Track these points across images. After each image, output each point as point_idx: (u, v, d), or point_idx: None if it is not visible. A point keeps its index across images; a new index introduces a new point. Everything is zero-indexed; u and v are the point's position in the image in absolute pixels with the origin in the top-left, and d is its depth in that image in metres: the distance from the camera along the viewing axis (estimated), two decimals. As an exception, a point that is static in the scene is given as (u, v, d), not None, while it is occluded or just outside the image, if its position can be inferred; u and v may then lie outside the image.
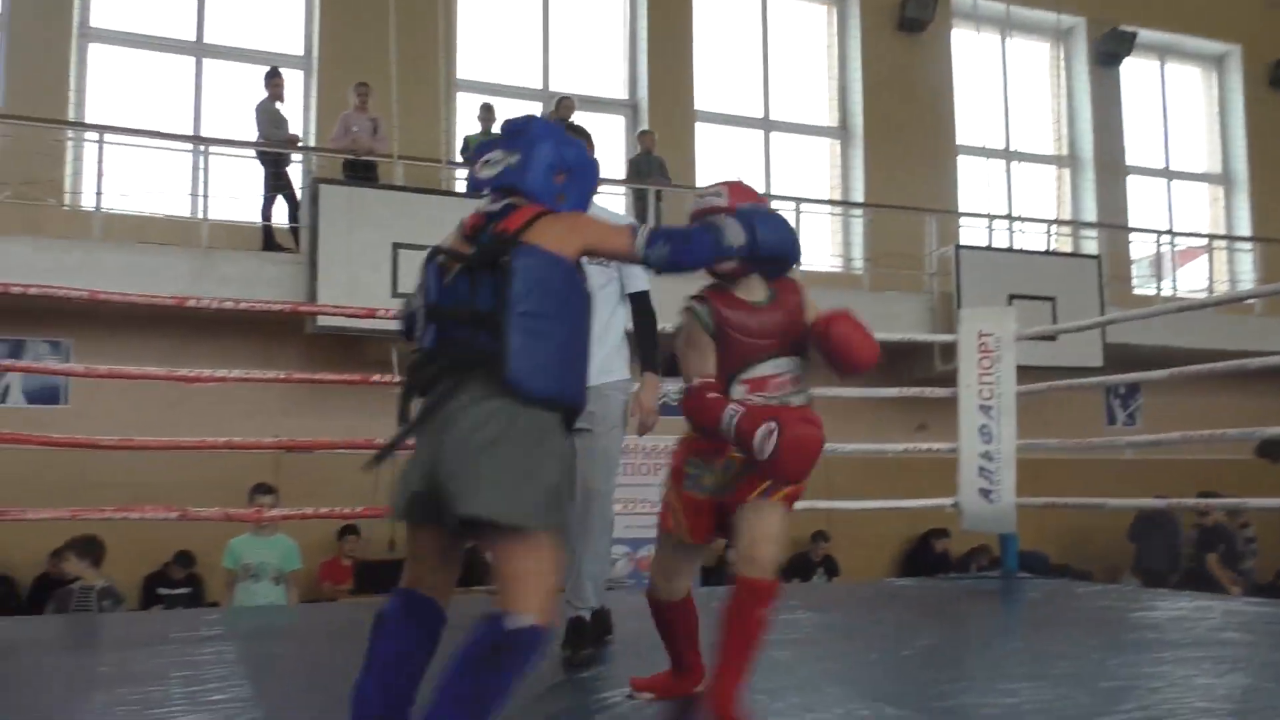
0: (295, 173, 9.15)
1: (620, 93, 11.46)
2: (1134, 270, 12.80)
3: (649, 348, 3.34)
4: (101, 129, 8.80)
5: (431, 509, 1.93)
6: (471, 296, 1.97)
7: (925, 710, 2.50)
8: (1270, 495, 5.39)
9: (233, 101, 9.71)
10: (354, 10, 9.92)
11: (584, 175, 2.19)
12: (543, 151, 2.12)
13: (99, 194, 8.39)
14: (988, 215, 11.45)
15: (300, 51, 10.29)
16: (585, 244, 2.05)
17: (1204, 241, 13.41)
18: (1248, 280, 12.83)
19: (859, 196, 11.78)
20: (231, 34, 10.14)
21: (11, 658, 3.49)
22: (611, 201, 10.72)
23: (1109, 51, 12.99)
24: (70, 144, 9.03)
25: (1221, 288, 12.78)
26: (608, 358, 3.30)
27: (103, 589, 5.66)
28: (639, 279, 3.35)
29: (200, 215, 8.69)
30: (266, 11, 10.28)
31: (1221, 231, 13.69)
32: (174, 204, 8.98)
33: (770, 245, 2.30)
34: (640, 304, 3.37)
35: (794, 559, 9.79)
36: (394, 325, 2.52)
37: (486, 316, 1.92)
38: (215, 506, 4.87)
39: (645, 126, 10.79)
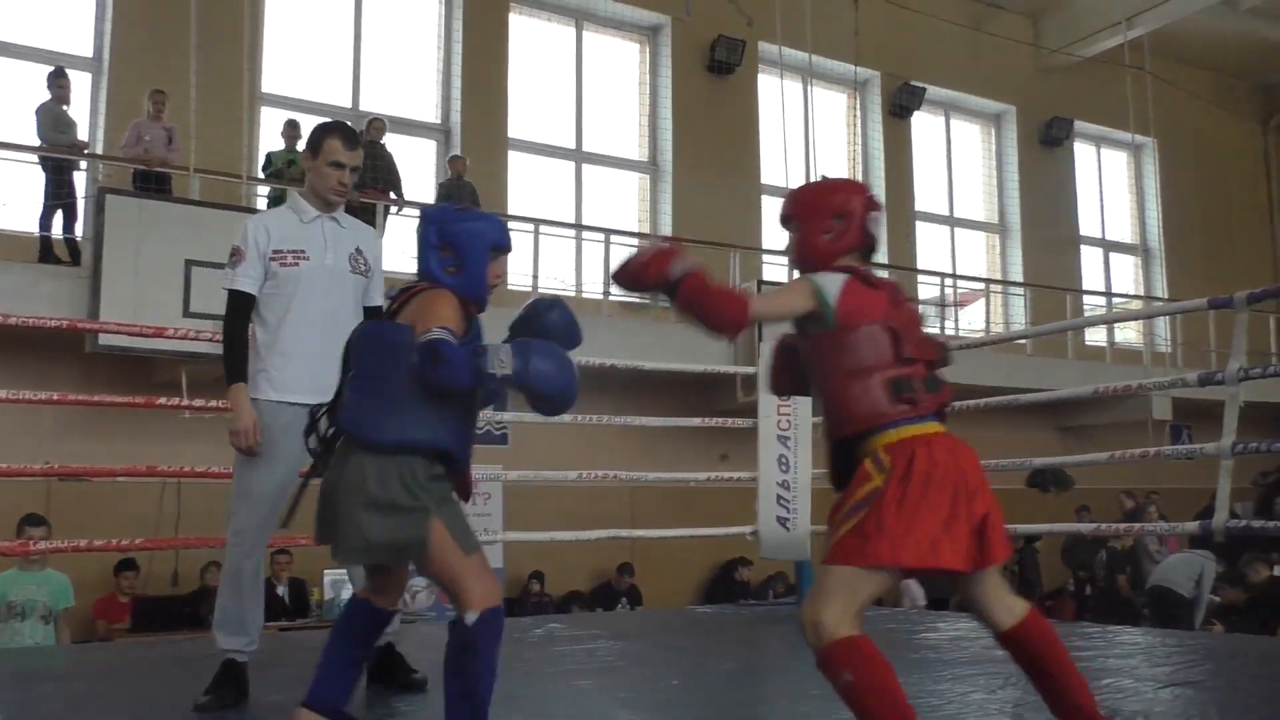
0: (79, 181, 8.58)
1: (433, 117, 11.33)
2: (920, 310, 13.55)
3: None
4: None
5: None
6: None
7: (723, 734, 2.54)
8: (1042, 522, 5.80)
9: (9, 102, 9.03)
10: (150, 12, 9.45)
11: (469, 245, 2.39)
12: (426, 235, 2.41)
13: None
14: (788, 253, 11.88)
15: (89, 53, 9.69)
16: (418, 321, 2.28)
17: (982, 286, 14.40)
18: (1020, 322, 13.84)
19: (667, 230, 12.04)
20: (12, 29, 9.44)
21: None
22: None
23: (901, 104, 13.83)
24: None
25: (997, 328, 13.73)
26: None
27: None
28: (377, 294, 3.27)
29: (-33, 222, 8.03)
30: (52, 6, 9.63)
31: (998, 276, 14.73)
32: (-63, 209, 8.27)
33: (543, 382, 2.23)
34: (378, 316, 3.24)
35: (597, 589, 9.84)
36: (184, 346, 2.47)
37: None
38: (-26, 538, 4.47)
39: (457, 152, 10.71)
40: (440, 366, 2.13)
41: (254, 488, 3.03)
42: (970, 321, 14.20)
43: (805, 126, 12.26)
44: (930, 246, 14.31)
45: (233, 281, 3.08)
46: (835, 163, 13.66)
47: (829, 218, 2.34)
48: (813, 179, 11.99)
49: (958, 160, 15.00)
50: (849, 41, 12.02)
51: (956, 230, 14.78)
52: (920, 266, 13.76)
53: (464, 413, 2.32)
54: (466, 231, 2.38)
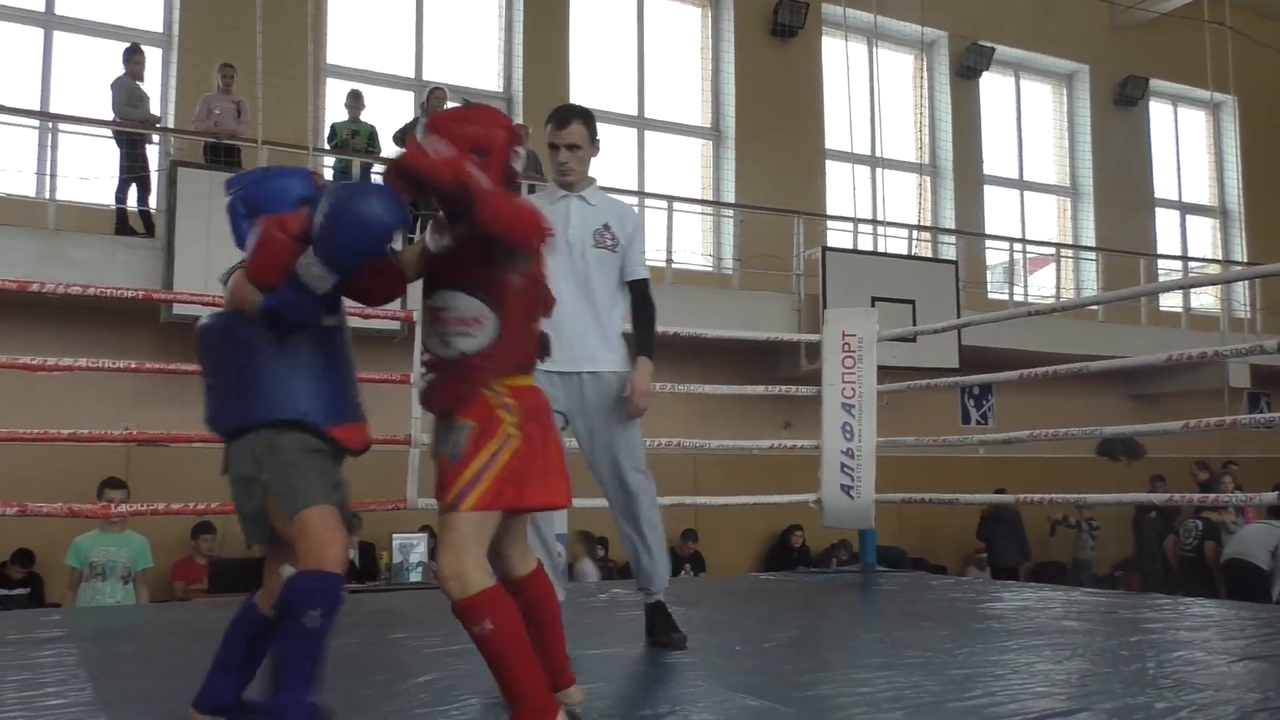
0: (152, 155, 8.77)
1: (495, 85, 11.36)
2: (989, 276, 13.36)
3: (648, 334, 3.36)
4: (-62, 101, 8.26)
5: None
6: None
7: (784, 700, 2.56)
8: (1111, 491, 5.70)
9: (85, 78, 9.24)
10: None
11: (273, 204, 2.30)
12: (233, 207, 2.41)
13: (-66, 170, 7.88)
14: (853, 219, 11.79)
15: (160, 29, 9.86)
16: (233, 304, 2.26)
17: (1052, 250, 14.10)
18: (1091, 287, 13.54)
19: (730, 197, 11.97)
20: (85, 6, 9.64)
21: None
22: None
23: (969, 66, 13.53)
24: (-96, 115, 8.46)
25: (1068, 294, 13.45)
26: (616, 344, 3.34)
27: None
28: (637, 267, 3.38)
29: (47, 195, 8.25)
30: (123, -16, 9.82)
31: (1069, 241, 14.41)
32: (19, 183, 8.50)
33: (332, 249, 2.07)
34: (641, 290, 3.39)
35: (661, 554, 9.88)
36: None
37: None
38: (60, 502, 4.64)
39: (519, 120, 10.72)
40: (284, 324, 2.14)
41: None
42: (1040, 287, 13.92)
43: (870, 89, 12.07)
44: (999, 211, 14.03)
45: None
46: (901, 126, 13.44)
47: (465, 150, 2.14)
48: (877, 143, 11.87)
49: (1028, 122, 14.65)
50: (915, 2, 11.78)
51: (1026, 194, 14.47)
52: (989, 231, 13.52)
53: (319, 370, 2.22)
54: (267, 191, 2.32)
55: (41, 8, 9.52)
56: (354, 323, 2.42)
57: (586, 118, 3.37)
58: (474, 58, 11.30)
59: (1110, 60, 14.63)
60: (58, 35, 9.56)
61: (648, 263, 3.47)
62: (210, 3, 9.63)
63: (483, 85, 11.31)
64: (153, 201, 8.59)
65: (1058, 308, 9.94)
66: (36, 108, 9.16)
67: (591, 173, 3.41)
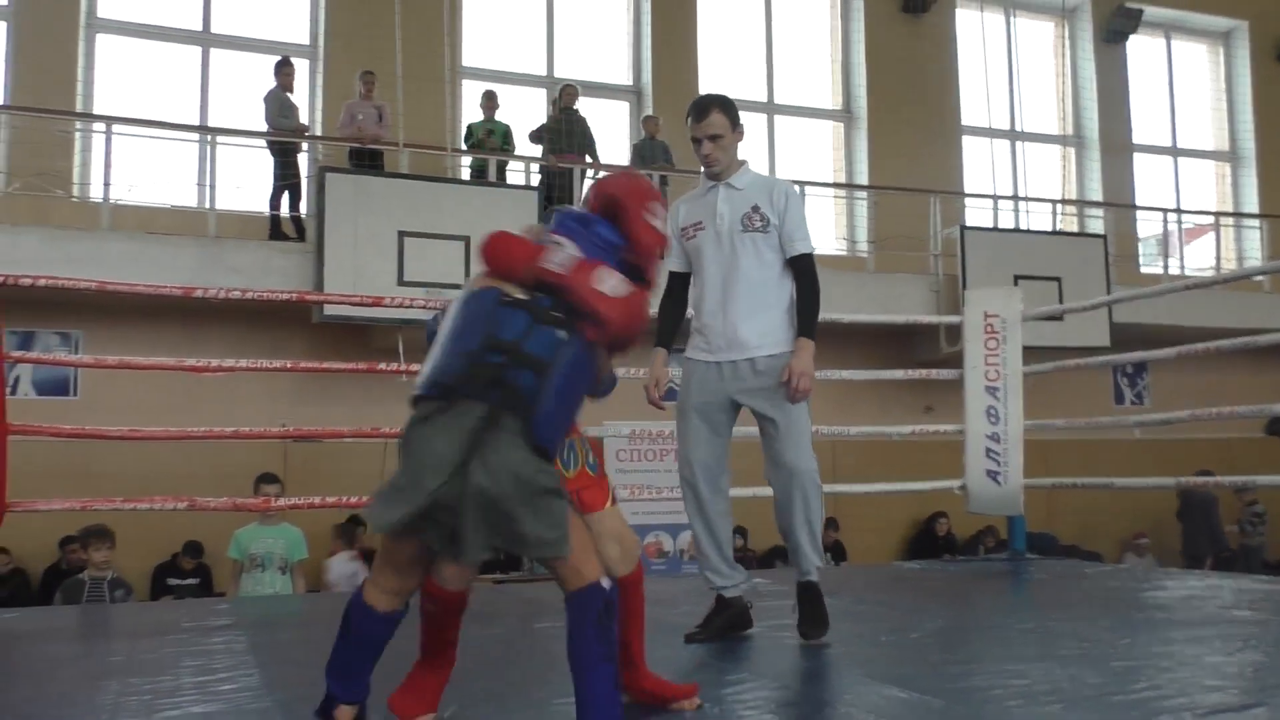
0: (302, 162, 9.15)
1: (624, 79, 11.43)
2: (1140, 249, 12.76)
3: (808, 313, 3.27)
4: (109, 119, 8.79)
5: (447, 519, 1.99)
6: (524, 338, 2.08)
7: (935, 692, 2.50)
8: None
9: (239, 91, 9.71)
10: (360, 0, 9.91)
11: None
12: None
13: (107, 185, 8.40)
14: (992, 196, 11.42)
15: (306, 41, 10.28)
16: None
17: (1211, 219, 13.35)
18: (1255, 257, 12.78)
19: (863, 179, 11.75)
20: (238, 24, 10.13)
21: (24, 648, 3.52)
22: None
23: (1115, 29, 12.91)
24: (78, 135, 9.04)
25: (1229, 265, 12.73)
26: (772, 327, 3.28)
27: (113, 579, 5.68)
28: (795, 242, 3.29)
29: (208, 205, 8.71)
30: (273, 2, 10.27)
31: (1229, 209, 13.63)
32: (181, 194, 9.00)
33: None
34: (801, 267, 3.30)
35: (802, 542, 9.81)
36: (400, 314, 2.51)
37: (536, 361, 2.05)
38: (224, 496, 4.89)
39: (650, 112, 10.76)
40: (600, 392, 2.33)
41: (679, 434, 3.40)
42: (1199, 259, 13.21)
43: (1008, 60, 11.67)
44: (1151, 180, 13.36)
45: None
46: (1042, 97, 12.94)
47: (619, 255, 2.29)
48: (1017, 116, 11.44)
49: (1181, 84, 13.89)
50: (1056, -34, 11.32)
51: (1181, 160, 13.74)
52: (1140, 202, 12.90)
53: None
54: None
55: (199, 27, 10.04)
56: (365, 312, 2.44)
57: (725, 105, 3.32)
58: (604, 53, 11.39)
59: (1271, 13, 13.73)
60: (214, 52, 10.07)
61: None
62: (352, 13, 9.98)
63: (613, 79, 11.40)
64: (303, 207, 8.97)
65: (1218, 280, 9.41)
66: (196, 122, 9.67)
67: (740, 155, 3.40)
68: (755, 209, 3.29)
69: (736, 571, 3.40)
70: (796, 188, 3.38)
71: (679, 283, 3.46)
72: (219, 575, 7.67)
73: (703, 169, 3.41)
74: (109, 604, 5.44)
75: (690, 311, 3.48)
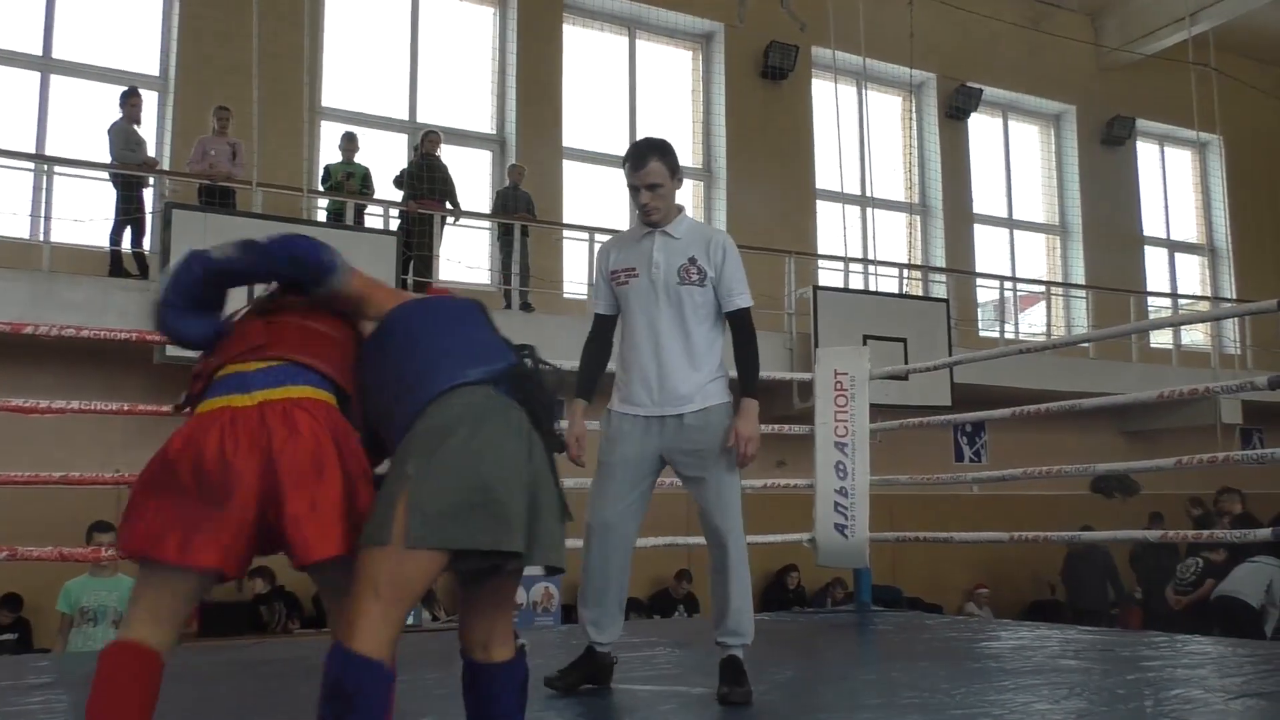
0: (148, 197, 8.80)
1: (488, 127, 11.45)
2: (980, 314, 13.42)
3: (750, 370, 3.20)
4: (-67, 144, 8.29)
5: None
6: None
7: (781, 742, 2.53)
8: (1106, 528, 5.69)
9: (80, 121, 9.30)
10: (214, 32, 9.67)
11: None
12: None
13: (-71, 212, 7.90)
14: (844, 258, 11.85)
15: (156, 72, 9.94)
16: None
17: (1043, 288, 14.18)
18: (1082, 325, 13.61)
19: (722, 237, 12.01)
20: (82, 50, 9.72)
21: None
22: (478, 236, 10.67)
23: (957, 107, 13.69)
24: (-102, 159, 8.49)
25: (1059, 332, 13.51)
26: (703, 382, 3.19)
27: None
28: (734, 296, 3.22)
29: (41, 238, 8.27)
30: (121, 29, 9.89)
31: (1059, 279, 14.50)
32: (14, 226, 8.52)
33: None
34: (740, 321, 3.24)
35: (655, 596, 9.84)
36: None
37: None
38: (49, 546, 4.60)
39: (514, 161, 10.80)
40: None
41: (597, 486, 3.27)
42: (1031, 325, 13.99)
43: (860, 130, 12.19)
44: (989, 249, 14.13)
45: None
46: (891, 166, 13.56)
47: None
48: (867, 183, 11.95)
49: (1016, 161, 14.80)
50: (904, 44, 11.93)
51: (1016, 232, 14.58)
52: (979, 270, 13.60)
53: None
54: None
55: (39, 51, 9.59)
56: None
57: (663, 152, 3.23)
58: (467, 100, 11.39)
59: (1097, 101, 14.83)
60: (55, 79, 9.63)
61: None
62: (206, 46, 9.72)
63: (476, 127, 11.40)
64: (147, 244, 8.61)
65: (1049, 345, 9.97)
66: (32, 150, 9.20)
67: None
68: (692, 260, 3.20)
69: (615, 627, 3.29)
70: (733, 240, 3.32)
71: (606, 326, 3.34)
72: (40, 630, 7.19)
73: (639, 219, 3.30)
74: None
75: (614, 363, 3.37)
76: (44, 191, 8.53)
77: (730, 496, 3.19)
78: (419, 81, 11.18)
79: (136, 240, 8.59)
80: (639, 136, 12.34)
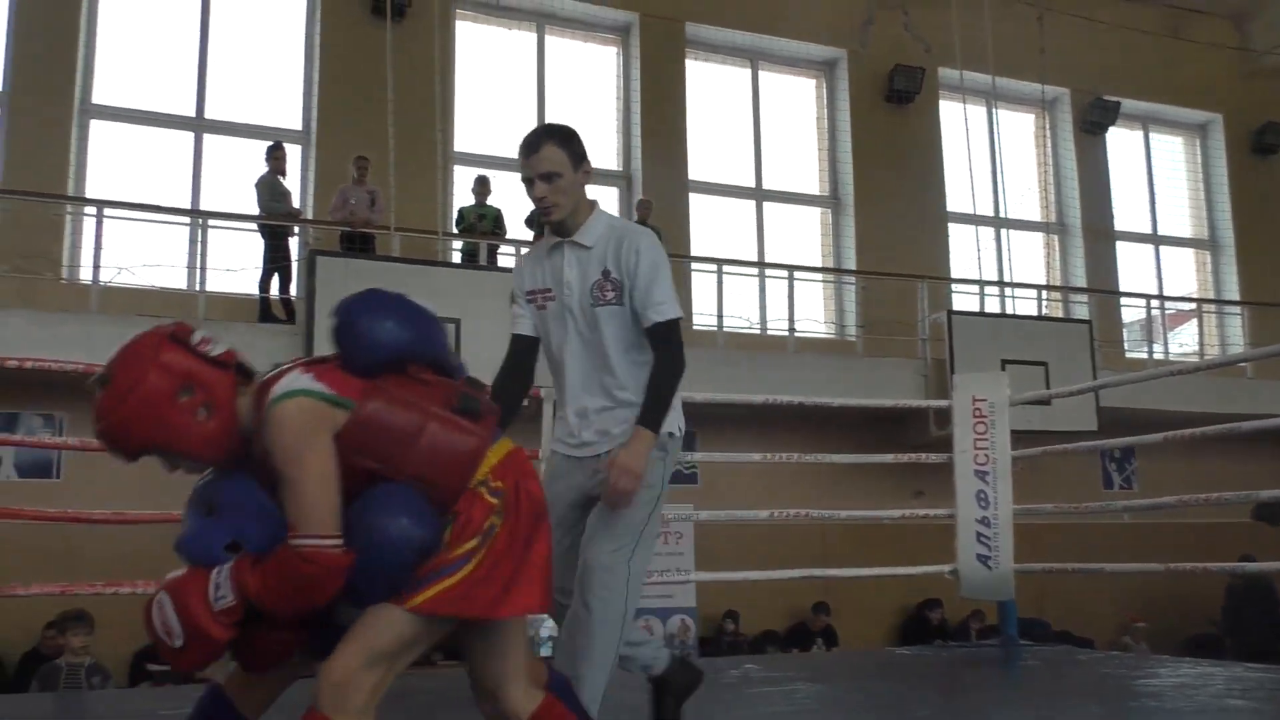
0: (293, 245, 9.23)
1: (614, 164, 11.62)
2: (1125, 334, 12.89)
3: (653, 394, 2.59)
4: (100, 203, 8.85)
5: None
6: None
7: (927, 782, 2.46)
8: (1270, 558, 5.37)
9: (231, 175, 9.83)
10: (353, 85, 10.10)
11: None
12: None
13: (96, 267, 8.44)
14: (979, 281, 11.56)
15: (299, 126, 10.44)
16: None
17: (1193, 306, 13.52)
18: (1237, 343, 12.91)
19: (851, 264, 11.90)
20: (230, 109, 10.30)
21: (-2, 737, 3.43)
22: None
23: (1094, 121, 13.24)
24: (69, 218, 9.12)
25: (1212, 351, 12.86)
26: (622, 420, 2.64)
27: (91, 666, 5.58)
28: (647, 309, 2.62)
29: (197, 288, 8.75)
30: (266, 87, 10.45)
31: (1210, 295, 13.81)
32: (171, 277, 9.04)
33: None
34: (658, 337, 2.63)
35: (793, 629, 9.71)
36: None
37: None
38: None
39: (641, 196, 10.93)
40: None
41: None
42: (1182, 344, 13.33)
43: (991, 149, 11.91)
44: (1133, 267, 13.57)
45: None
46: (1025, 185, 13.20)
47: (173, 395, 1.83)
48: (1001, 203, 11.64)
49: (1160, 174, 14.20)
50: (1034, 60, 11.64)
51: (1162, 248, 13.97)
52: (1123, 288, 13.07)
53: None
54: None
55: (192, 113, 10.20)
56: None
57: (564, 136, 2.73)
58: (593, 138, 11.58)
59: (1245, 108, 14.12)
60: (207, 138, 10.22)
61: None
62: (345, 99, 10.16)
63: (602, 164, 11.59)
64: (293, 289, 9.02)
65: (1202, 366, 9.52)
66: (188, 206, 9.76)
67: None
68: (605, 275, 2.65)
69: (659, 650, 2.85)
70: (654, 235, 2.74)
71: (522, 348, 2.78)
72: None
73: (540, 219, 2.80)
74: (85, 691, 5.33)
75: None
76: (199, 244, 9.03)
77: (624, 529, 2.59)
78: (545, 120, 11.43)
79: (284, 287, 9.01)
80: (765, 166, 12.28)
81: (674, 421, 2.70)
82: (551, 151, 2.67)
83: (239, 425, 1.89)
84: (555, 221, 2.71)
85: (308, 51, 10.56)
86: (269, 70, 10.50)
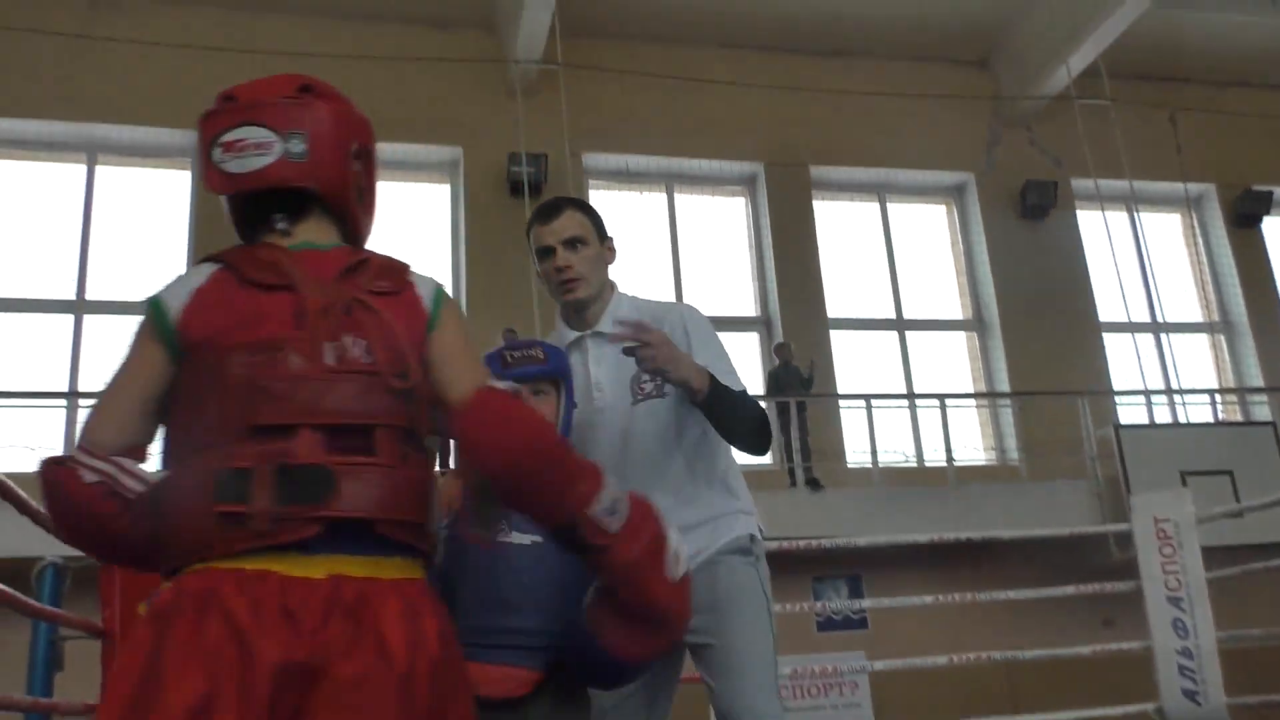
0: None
1: (752, 310, 11.73)
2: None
3: (728, 387, 2.28)
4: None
5: None
6: None
7: None
8: None
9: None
10: (497, 263, 10.56)
11: None
12: None
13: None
14: (1144, 391, 11.06)
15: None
16: None
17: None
18: None
19: (1003, 386, 11.57)
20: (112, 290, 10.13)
21: None
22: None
23: (1245, 213, 12.74)
24: None
25: None
26: (703, 517, 2.27)
27: None
28: (723, 377, 2.29)
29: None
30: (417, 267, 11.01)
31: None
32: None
33: None
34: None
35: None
36: None
37: None
38: None
39: (780, 339, 10.96)
40: None
41: None
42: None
43: (1139, 254, 11.57)
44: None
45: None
46: (1180, 286, 12.70)
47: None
48: (1156, 308, 11.20)
49: (1328, 261, 13.45)
50: (1171, 159, 11.38)
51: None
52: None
53: None
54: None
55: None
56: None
57: (585, 206, 2.38)
58: (729, 285, 11.77)
59: None
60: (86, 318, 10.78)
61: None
62: (489, 277, 10.60)
63: (741, 311, 11.72)
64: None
65: None
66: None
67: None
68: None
69: None
70: (695, 308, 2.48)
71: None
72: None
73: (557, 297, 2.33)
74: None
75: None
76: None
77: (759, 660, 2.14)
78: (682, 274, 11.68)
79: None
80: (903, 297, 12.18)
81: (755, 523, 2.39)
82: (574, 215, 2.29)
83: None
84: (580, 301, 2.29)
85: (454, 235, 11.14)
86: (412, 256, 11.07)
